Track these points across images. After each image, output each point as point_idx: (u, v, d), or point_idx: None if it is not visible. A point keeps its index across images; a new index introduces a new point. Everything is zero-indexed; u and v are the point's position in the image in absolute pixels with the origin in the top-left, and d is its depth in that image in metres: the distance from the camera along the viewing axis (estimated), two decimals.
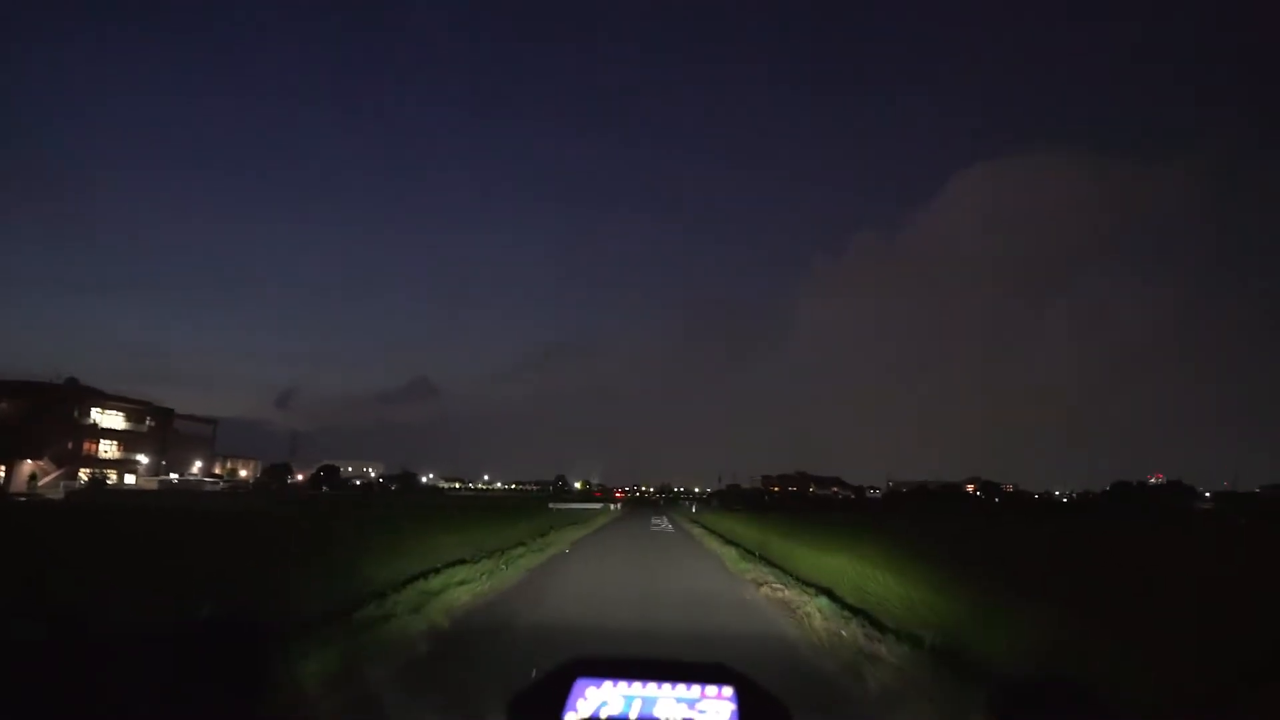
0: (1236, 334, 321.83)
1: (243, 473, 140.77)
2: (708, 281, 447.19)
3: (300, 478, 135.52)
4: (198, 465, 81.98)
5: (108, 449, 70.52)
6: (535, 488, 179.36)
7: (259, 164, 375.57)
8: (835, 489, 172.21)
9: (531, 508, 48.61)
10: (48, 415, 63.26)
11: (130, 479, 73.35)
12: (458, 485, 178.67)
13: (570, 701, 1.13)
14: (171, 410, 78.38)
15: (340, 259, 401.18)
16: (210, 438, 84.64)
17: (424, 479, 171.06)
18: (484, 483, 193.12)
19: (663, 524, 35.73)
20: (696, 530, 29.14)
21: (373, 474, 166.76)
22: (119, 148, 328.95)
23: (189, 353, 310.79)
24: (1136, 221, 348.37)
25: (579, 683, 1.16)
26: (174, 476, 77.48)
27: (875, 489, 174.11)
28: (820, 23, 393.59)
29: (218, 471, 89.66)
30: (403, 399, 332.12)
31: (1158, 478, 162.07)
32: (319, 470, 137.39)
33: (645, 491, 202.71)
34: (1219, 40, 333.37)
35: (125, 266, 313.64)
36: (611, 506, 53.20)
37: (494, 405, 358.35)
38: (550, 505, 52.25)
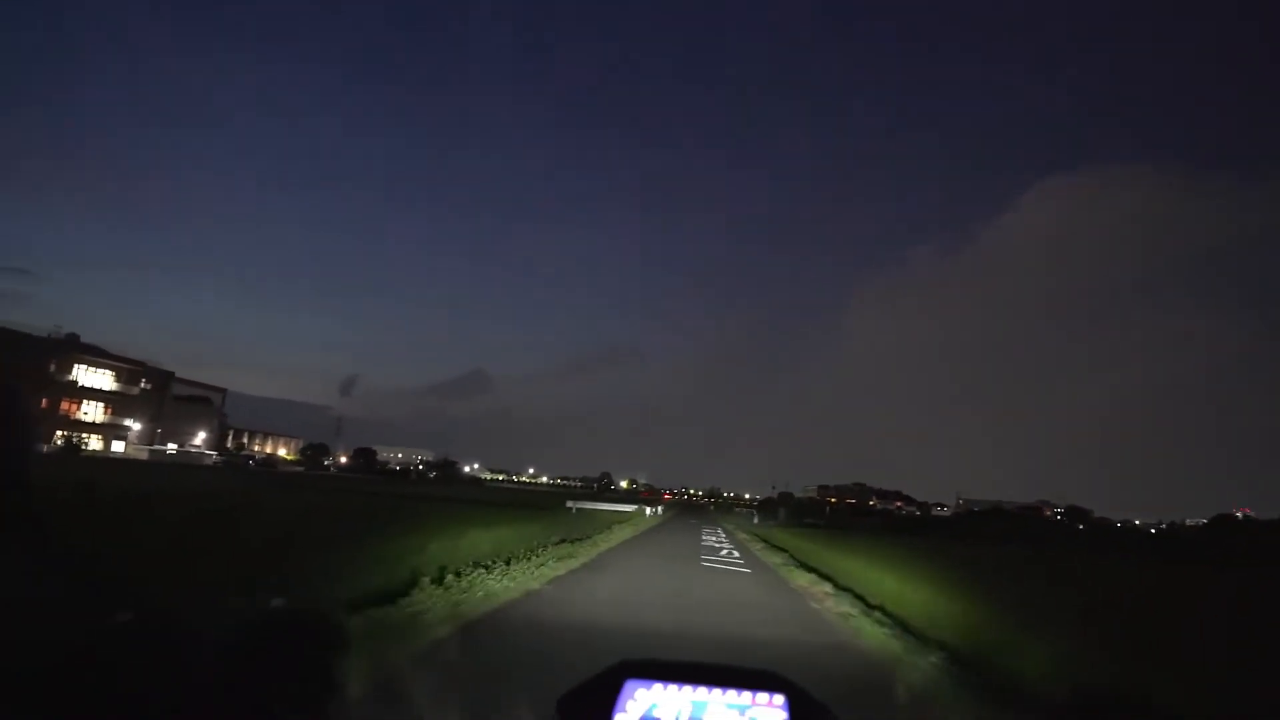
0: None
1: (281, 451, 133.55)
2: (765, 290, 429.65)
3: (343, 459, 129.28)
4: (200, 436, 71.42)
5: (90, 411, 60.26)
6: (579, 484, 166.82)
7: (332, 160, 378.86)
8: (899, 504, 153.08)
9: (549, 506, 35.31)
10: (19, 368, 53.00)
11: (118, 446, 63.13)
12: (500, 477, 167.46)
13: (620, 703, 1.07)
14: (171, 373, 67.71)
15: (410, 255, 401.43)
16: (219, 407, 73.98)
17: (467, 469, 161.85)
18: (529, 476, 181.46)
19: (723, 547, 21.03)
20: (800, 576, 13.49)
21: (418, 460, 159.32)
22: (199, 144, 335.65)
23: (260, 339, 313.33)
24: (1218, 243, 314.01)
25: (629, 684, 1.09)
26: (170, 447, 67.10)
27: (943, 506, 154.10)
28: (885, 35, 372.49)
29: (229, 445, 79.12)
30: (460, 391, 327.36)
31: (1244, 512, 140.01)
32: (355, 453, 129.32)
33: (692, 495, 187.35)
34: None
35: (202, 254, 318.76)
36: (649, 511, 38.66)
37: (547, 401, 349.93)
38: (569, 504, 38.33)
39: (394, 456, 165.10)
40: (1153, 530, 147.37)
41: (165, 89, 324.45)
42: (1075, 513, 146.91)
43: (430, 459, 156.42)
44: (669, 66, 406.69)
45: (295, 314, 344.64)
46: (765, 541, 25.10)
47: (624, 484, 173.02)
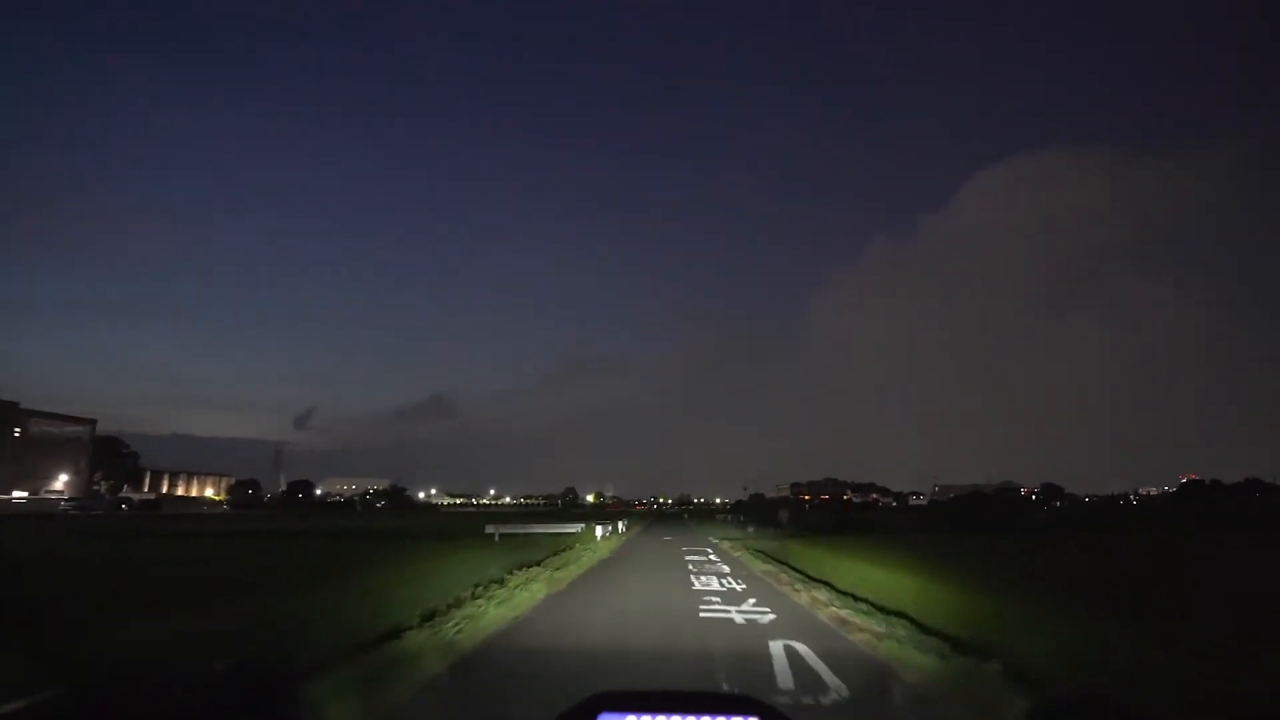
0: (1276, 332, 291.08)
1: (209, 490, 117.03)
2: (722, 291, 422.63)
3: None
4: (61, 479, 56.29)
5: None
6: (543, 502, 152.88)
7: (280, 185, 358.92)
8: (875, 496, 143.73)
9: (466, 535, 23.58)
10: None
11: None
12: (459, 501, 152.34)
13: None
14: (16, 404, 52.82)
15: (361, 279, 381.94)
16: (86, 443, 58.79)
17: (422, 495, 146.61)
18: (490, 498, 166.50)
19: (765, 636, 9.29)
20: None
21: (370, 489, 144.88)
22: (149, 184, 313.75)
23: (214, 377, 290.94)
24: (1161, 218, 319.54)
25: (602, 717, 1.08)
26: (18, 495, 52.05)
27: (920, 495, 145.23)
28: (829, 29, 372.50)
29: (100, 489, 63.61)
30: (420, 416, 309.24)
31: (1191, 477, 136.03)
32: (290, 486, 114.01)
33: (663, 504, 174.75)
34: (1247, 23, 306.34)
35: (151, 295, 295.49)
36: (601, 531, 26.22)
37: (510, 420, 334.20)
38: (489, 529, 25.96)
39: (346, 487, 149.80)
40: (1121, 502, 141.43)
41: (105, 129, 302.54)
42: (1050, 490, 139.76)
43: (383, 487, 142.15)
44: (622, 72, 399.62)
45: (250, 349, 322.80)
46: (818, 581, 13.18)
47: (591, 498, 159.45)
